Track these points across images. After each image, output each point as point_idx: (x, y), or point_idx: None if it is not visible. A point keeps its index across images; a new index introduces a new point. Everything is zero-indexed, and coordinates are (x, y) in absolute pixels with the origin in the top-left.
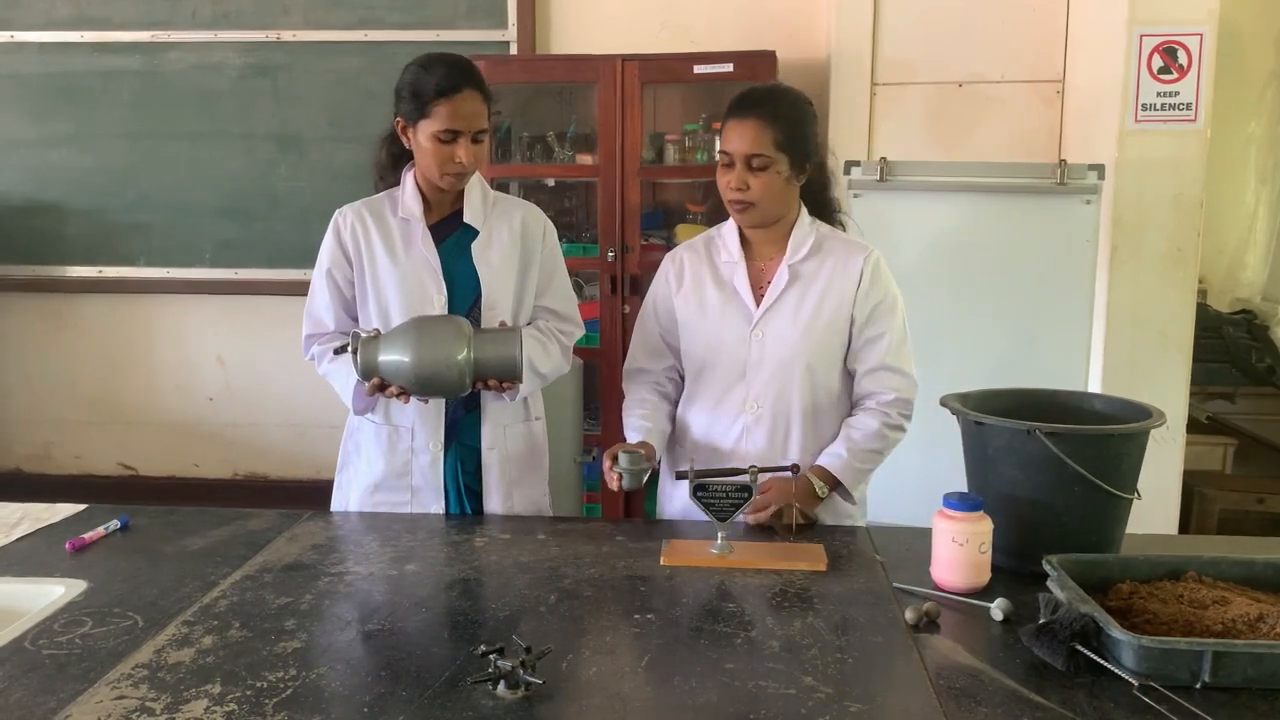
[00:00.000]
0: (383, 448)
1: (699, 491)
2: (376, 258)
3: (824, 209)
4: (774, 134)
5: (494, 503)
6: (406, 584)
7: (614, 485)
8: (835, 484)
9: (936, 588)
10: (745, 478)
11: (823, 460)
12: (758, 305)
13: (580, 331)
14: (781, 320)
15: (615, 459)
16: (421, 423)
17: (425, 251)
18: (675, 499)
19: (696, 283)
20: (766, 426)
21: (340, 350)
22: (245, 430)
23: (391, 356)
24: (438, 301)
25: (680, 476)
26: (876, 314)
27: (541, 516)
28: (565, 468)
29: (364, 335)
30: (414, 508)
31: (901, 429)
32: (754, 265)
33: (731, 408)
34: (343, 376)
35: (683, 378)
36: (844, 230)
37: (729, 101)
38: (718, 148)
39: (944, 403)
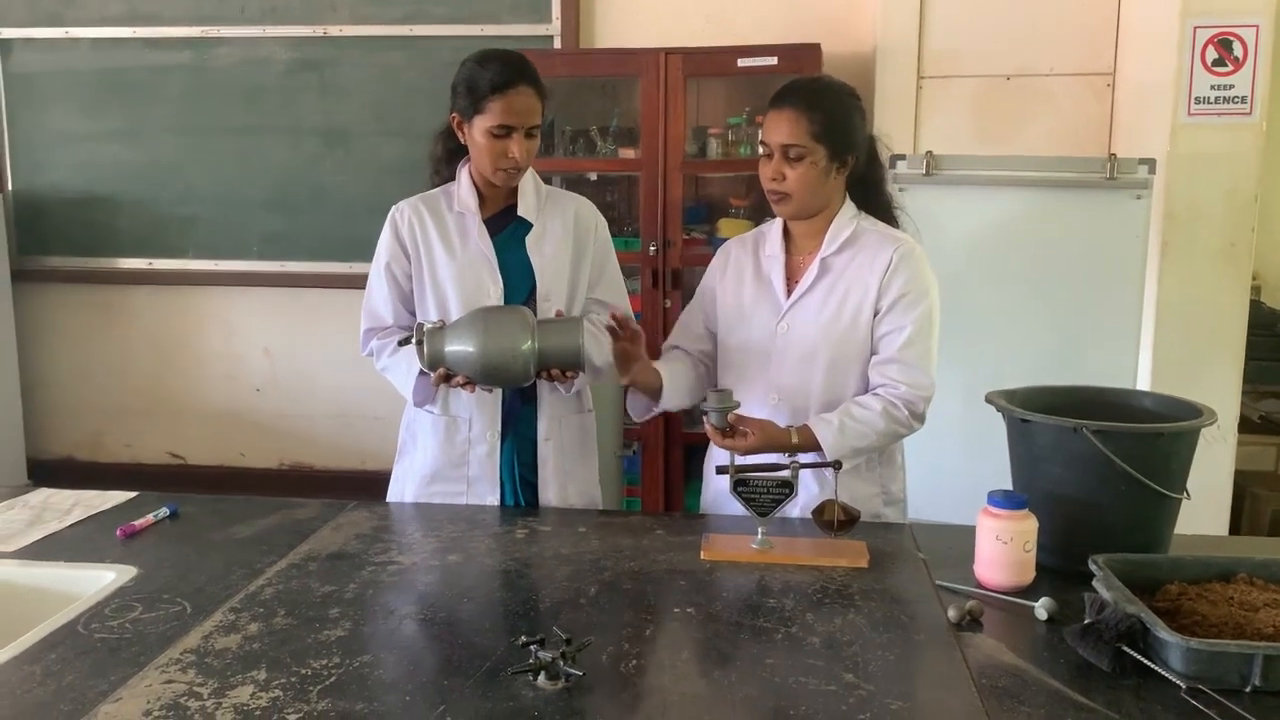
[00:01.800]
0: (440, 438)
1: (739, 487)
2: (434, 252)
3: (878, 206)
4: (810, 124)
5: (550, 493)
6: (449, 574)
7: (708, 429)
8: (814, 444)
9: (980, 586)
10: (786, 473)
11: (812, 420)
12: (788, 297)
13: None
14: (807, 313)
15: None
16: (479, 413)
17: (481, 244)
18: (718, 486)
19: (738, 274)
20: (786, 418)
21: (404, 341)
22: (291, 421)
23: (458, 346)
24: (494, 293)
25: (721, 471)
26: (898, 306)
27: (586, 510)
28: (606, 461)
29: (429, 326)
30: (469, 498)
31: (905, 425)
32: (793, 259)
33: (755, 397)
34: (402, 370)
35: (714, 364)
36: (897, 227)
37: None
38: (759, 139)
39: (989, 399)
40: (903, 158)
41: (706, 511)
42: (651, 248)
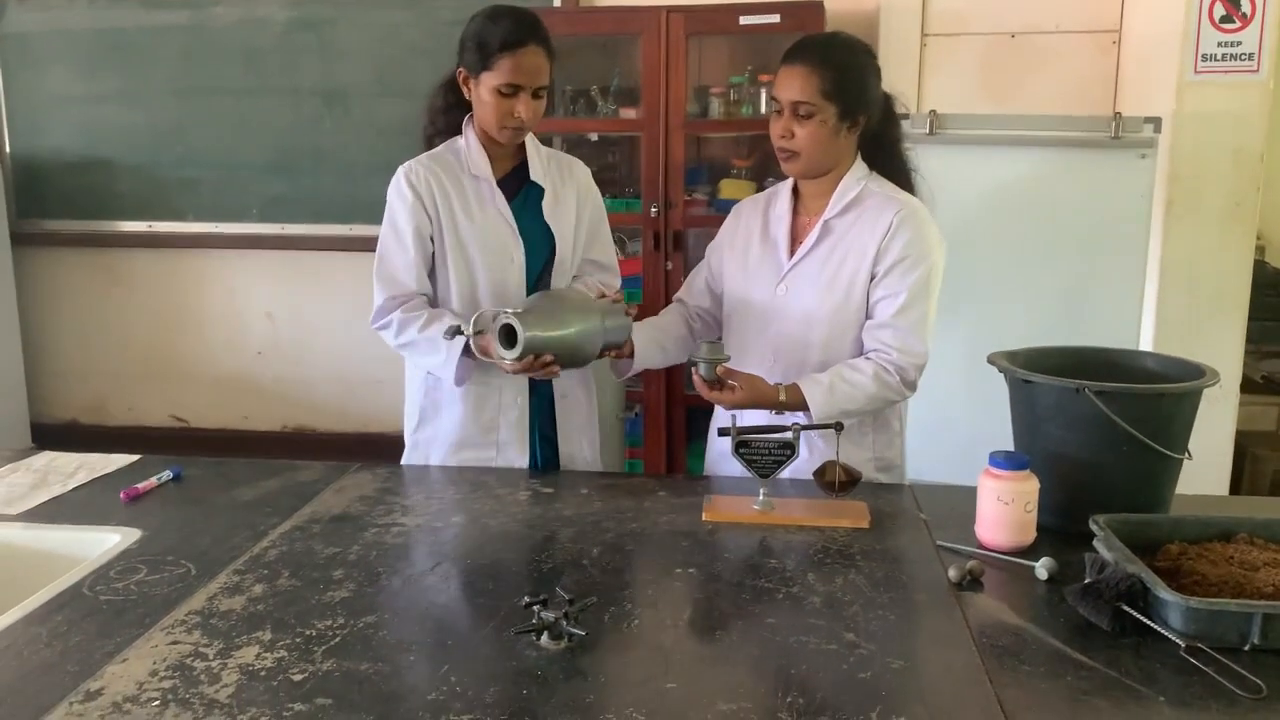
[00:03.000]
0: (470, 406)
1: (741, 448)
2: (455, 214)
3: (893, 168)
4: (820, 81)
5: (571, 446)
6: (451, 536)
7: (696, 381)
8: (802, 404)
9: (981, 546)
10: (788, 434)
11: (802, 379)
12: (790, 259)
13: (618, 281)
14: (806, 275)
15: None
16: (509, 381)
17: (502, 212)
18: (720, 447)
19: (747, 234)
20: (782, 380)
21: (456, 331)
22: (293, 384)
23: (552, 332)
24: (516, 258)
25: (723, 433)
26: (895, 270)
27: (588, 472)
28: (609, 424)
29: (511, 313)
30: (499, 462)
31: (896, 392)
32: (799, 220)
33: (753, 358)
34: (438, 349)
35: (713, 323)
36: (912, 192)
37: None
38: (771, 94)
39: (992, 360)
40: (906, 117)
41: (709, 473)
42: (653, 209)
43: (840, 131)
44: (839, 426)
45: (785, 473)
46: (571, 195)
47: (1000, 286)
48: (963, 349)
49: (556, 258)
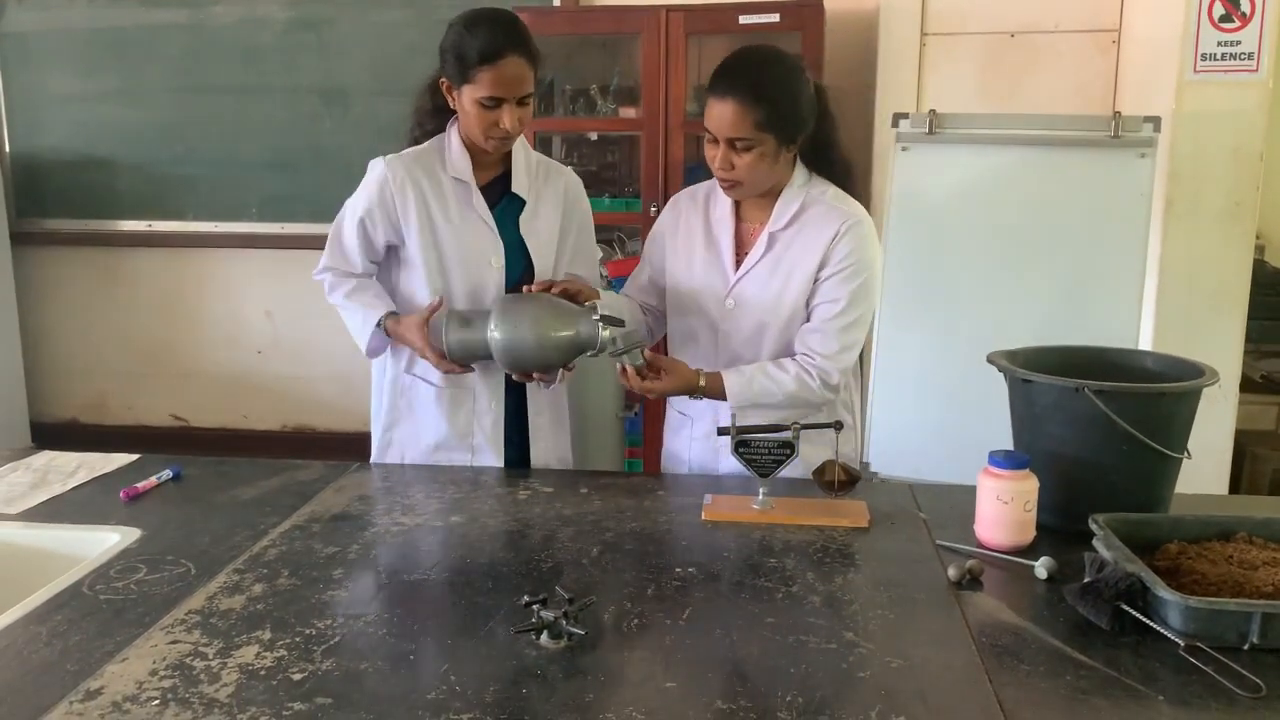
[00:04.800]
0: (445, 409)
1: (740, 448)
2: (433, 217)
3: (831, 166)
4: (754, 114)
5: (538, 455)
6: (451, 535)
7: (629, 374)
8: (719, 391)
9: (980, 546)
10: (788, 434)
11: (725, 369)
12: (736, 269)
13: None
14: (753, 289)
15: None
16: (484, 384)
17: (482, 215)
18: (683, 444)
19: (688, 234)
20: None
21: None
22: (293, 383)
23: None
24: (496, 263)
25: (722, 433)
26: (835, 278)
27: (589, 471)
28: (607, 423)
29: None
30: (474, 462)
31: (815, 394)
32: (743, 226)
33: (705, 365)
34: (359, 318)
35: (663, 318)
36: (851, 190)
37: (711, 73)
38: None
39: (991, 360)
40: (906, 116)
41: (667, 469)
42: (652, 209)
43: (780, 155)
44: (838, 425)
45: (785, 472)
46: (554, 209)
47: (1000, 286)
48: (962, 348)
49: (535, 271)
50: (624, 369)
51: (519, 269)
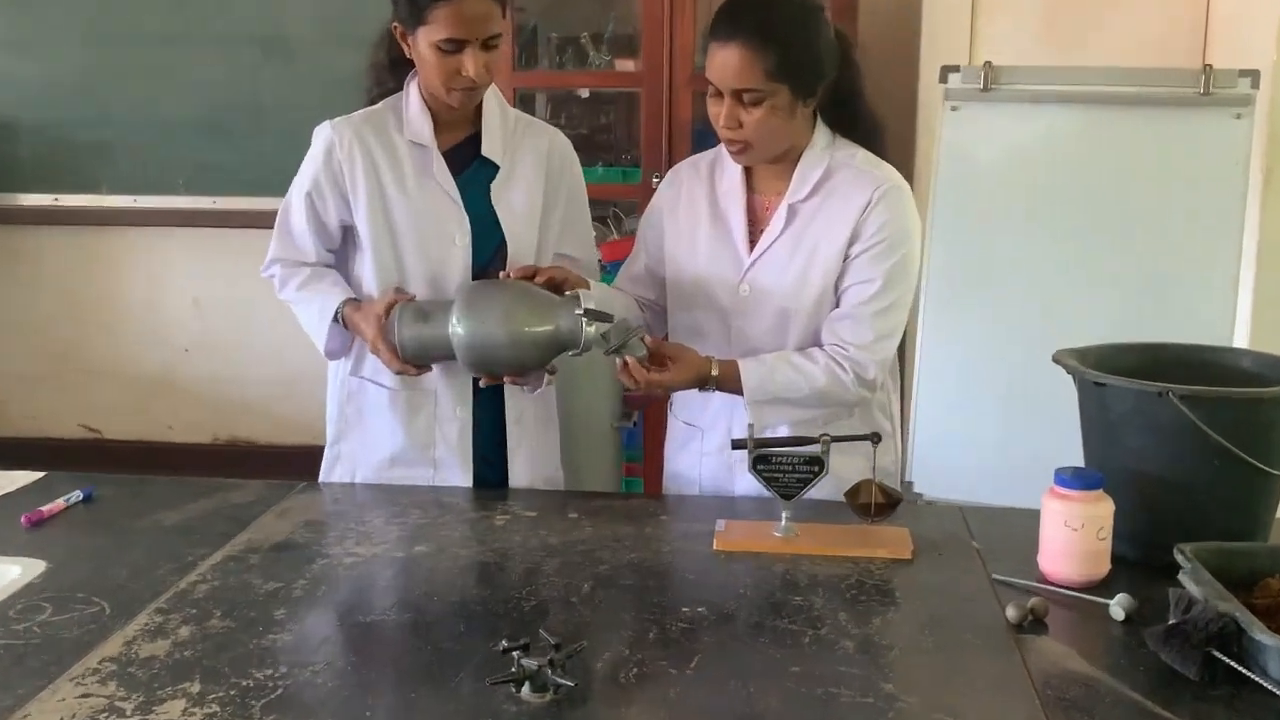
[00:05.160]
0: (401, 416)
1: (760, 464)
2: (384, 186)
3: (855, 123)
4: (764, 61)
5: (519, 473)
6: (416, 568)
7: (632, 367)
8: (735, 383)
9: (1044, 581)
10: (816, 448)
11: (742, 358)
12: (751, 250)
13: (598, 280)
14: (772, 271)
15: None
16: (446, 386)
17: (442, 184)
18: (691, 460)
19: (691, 212)
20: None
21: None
22: (227, 386)
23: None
24: (460, 241)
25: (737, 446)
26: (868, 254)
27: (572, 491)
28: (601, 434)
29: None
30: (436, 482)
31: (850, 391)
32: (756, 198)
33: None
34: (310, 306)
35: (659, 315)
36: (881, 152)
37: (713, 14)
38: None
39: (1058, 359)
40: (956, 69)
41: (670, 489)
42: (654, 179)
43: (796, 110)
44: (875, 437)
45: (813, 493)
46: (535, 175)
47: (1067, 271)
48: (1022, 346)
49: (509, 251)
50: (624, 363)
51: (490, 249)
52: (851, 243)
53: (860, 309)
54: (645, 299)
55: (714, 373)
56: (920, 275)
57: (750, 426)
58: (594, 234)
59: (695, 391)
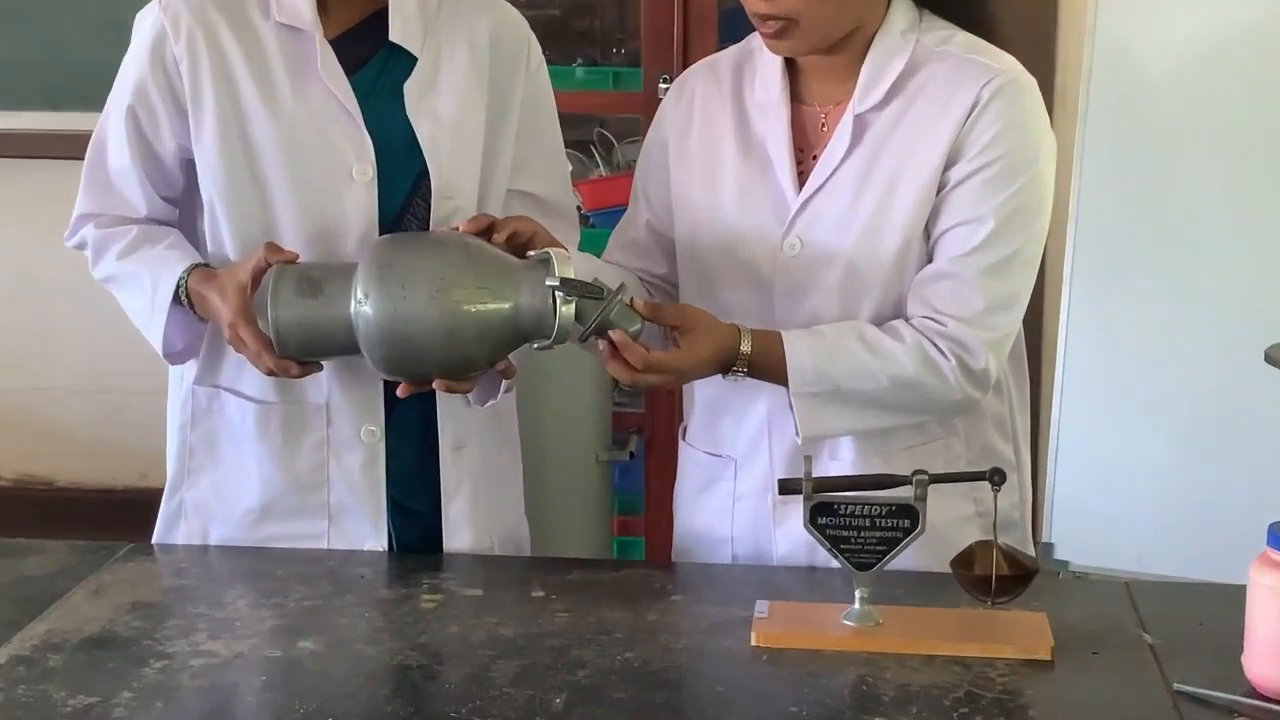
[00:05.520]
0: (275, 444)
1: (821, 517)
2: (241, 93)
3: (950, 2)
4: None
5: (460, 532)
6: (300, 675)
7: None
8: (773, 368)
9: (1253, 692)
10: (907, 491)
11: (789, 331)
12: (800, 187)
13: (577, 234)
14: (834, 216)
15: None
16: (346, 396)
17: (331, 87)
18: (715, 508)
19: (710, 137)
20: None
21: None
22: (20, 398)
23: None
24: (360, 176)
25: (787, 490)
26: (974, 182)
27: (540, 557)
28: (583, 471)
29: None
30: (334, 541)
31: (950, 384)
32: (806, 110)
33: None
34: (142, 288)
35: (670, 296)
36: (997, 40)
37: None
38: None
39: (1273, 359)
40: None
41: (681, 555)
42: (661, 84)
43: None
44: (996, 477)
45: (902, 559)
46: (472, 73)
47: (1258, 232)
48: (1215, 341)
49: (434, 183)
50: (610, 345)
51: (406, 186)
52: (950, 165)
53: (965, 263)
54: (650, 274)
55: (744, 347)
56: (1064, 228)
57: (808, 460)
58: (568, 166)
59: (720, 397)
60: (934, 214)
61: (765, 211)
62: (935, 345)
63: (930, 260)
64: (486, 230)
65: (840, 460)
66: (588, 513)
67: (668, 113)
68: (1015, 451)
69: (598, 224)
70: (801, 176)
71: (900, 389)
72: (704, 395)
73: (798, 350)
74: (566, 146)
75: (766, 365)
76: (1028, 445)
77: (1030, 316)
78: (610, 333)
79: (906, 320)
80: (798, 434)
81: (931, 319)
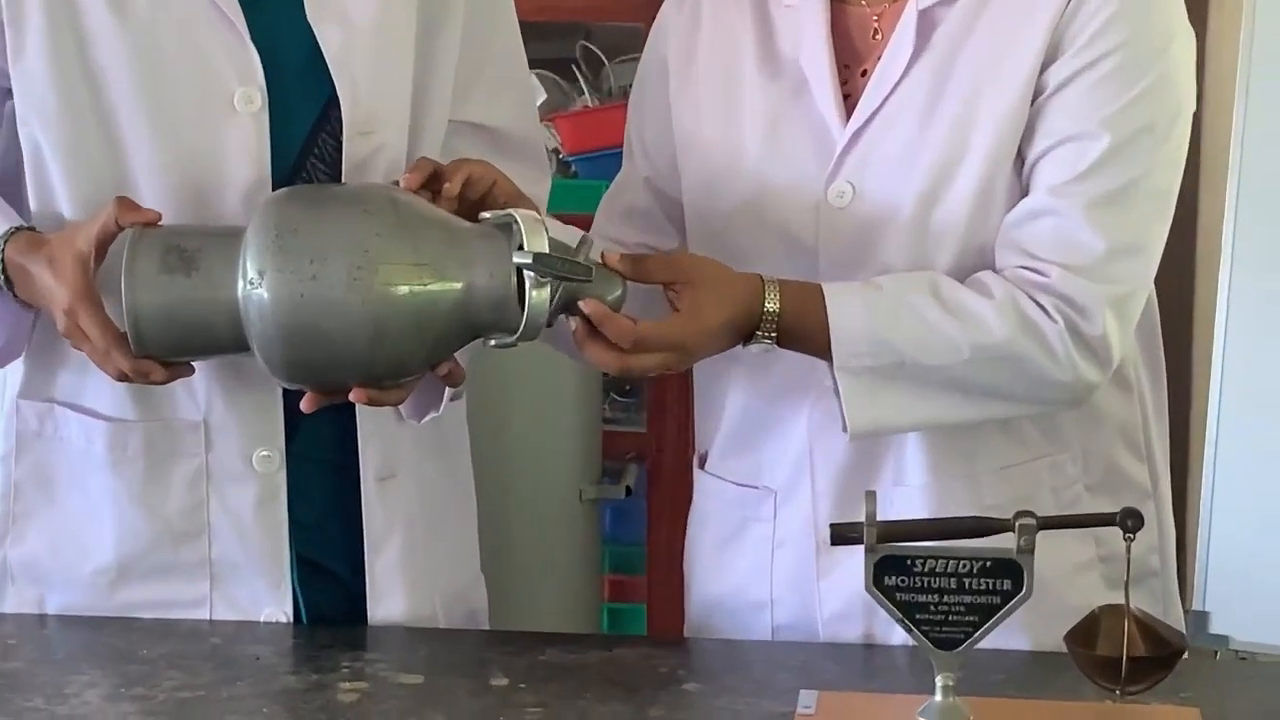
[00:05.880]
0: (132, 476)
1: (889, 574)
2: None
3: None
4: None
5: (390, 596)
6: None
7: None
8: (813, 328)
9: None
10: (1006, 541)
11: (832, 284)
12: (847, 117)
13: (546, 182)
14: (895, 148)
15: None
16: (230, 412)
17: None
18: (745, 564)
19: (721, 54)
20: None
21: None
22: None
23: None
24: (243, 106)
25: (841, 538)
26: (1082, 82)
27: (502, 631)
28: (561, 514)
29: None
30: (219, 609)
31: (1052, 348)
32: (850, 12)
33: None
34: None
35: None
36: None
37: None
38: None
39: None
40: None
41: (697, 634)
42: None
43: None
44: (1129, 520)
45: (1000, 634)
46: None
47: None
48: None
49: (346, 114)
50: (584, 322)
51: (309, 117)
52: (1048, 64)
53: (1071, 193)
54: (650, 247)
55: (769, 304)
56: (1221, 183)
57: (870, 497)
58: (536, 89)
59: (755, 401)
60: (1029, 132)
61: (802, 151)
62: (1036, 302)
63: (1026, 195)
64: (432, 182)
65: (907, 486)
66: (569, 569)
67: (668, 22)
68: (1152, 475)
69: (582, 172)
70: (849, 101)
71: (988, 364)
72: (734, 399)
73: (845, 308)
74: (542, 66)
75: (802, 330)
76: (1167, 467)
77: (1173, 305)
78: (580, 304)
79: (996, 273)
80: (845, 428)
81: (1029, 269)
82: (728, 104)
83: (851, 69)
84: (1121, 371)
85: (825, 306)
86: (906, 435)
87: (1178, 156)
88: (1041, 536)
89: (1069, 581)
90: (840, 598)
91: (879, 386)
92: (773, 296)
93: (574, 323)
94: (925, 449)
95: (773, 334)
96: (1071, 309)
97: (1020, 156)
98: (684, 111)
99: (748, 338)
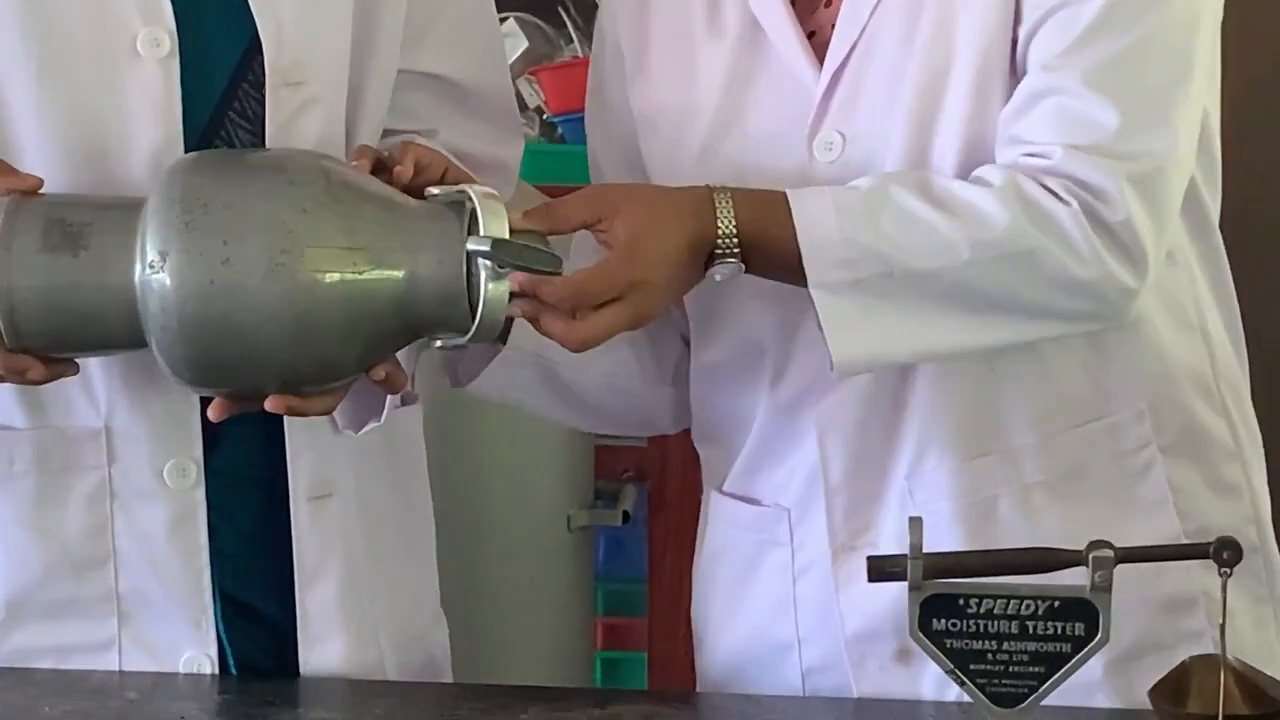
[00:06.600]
0: (19, 495)
1: (939, 617)
2: None
3: None
4: None
5: (327, 640)
6: None
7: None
8: (781, 241)
9: None
10: (1079, 578)
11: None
12: (820, 63)
13: (517, 146)
14: (880, 83)
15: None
16: (137, 416)
17: None
18: (764, 601)
19: (669, 27)
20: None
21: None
22: None
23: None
24: (148, 50)
25: (881, 574)
26: None
27: (471, 686)
28: (545, 544)
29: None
30: (130, 654)
31: (1069, 240)
32: None
33: (767, 323)
34: None
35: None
36: None
37: None
38: None
39: None
40: None
41: (712, 688)
42: None
43: None
44: (1226, 553)
45: (1075, 693)
46: None
47: None
48: None
49: (269, 64)
50: (532, 298)
51: (225, 69)
52: None
53: (1069, 63)
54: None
55: (722, 223)
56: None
57: (915, 524)
58: (501, 35)
59: (764, 409)
60: (1017, 12)
61: (770, 107)
62: (1043, 186)
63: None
64: (383, 161)
65: (927, 470)
66: (554, 611)
67: (615, 5)
68: (1232, 431)
69: (569, 135)
70: (814, 40)
71: (994, 265)
72: (743, 412)
73: (815, 211)
74: (523, 9)
75: (768, 244)
76: (1254, 420)
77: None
78: (511, 279)
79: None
80: (832, 366)
81: (1032, 154)
82: (683, 75)
83: (822, 19)
84: (1179, 305)
85: (792, 214)
86: (919, 410)
87: (1195, 5)
88: (1134, 596)
89: (1169, 653)
90: (861, 615)
91: (866, 304)
92: (725, 208)
93: (521, 307)
94: (945, 422)
95: (734, 251)
96: (1086, 191)
97: (1016, 55)
98: (641, 89)
99: (708, 263)
